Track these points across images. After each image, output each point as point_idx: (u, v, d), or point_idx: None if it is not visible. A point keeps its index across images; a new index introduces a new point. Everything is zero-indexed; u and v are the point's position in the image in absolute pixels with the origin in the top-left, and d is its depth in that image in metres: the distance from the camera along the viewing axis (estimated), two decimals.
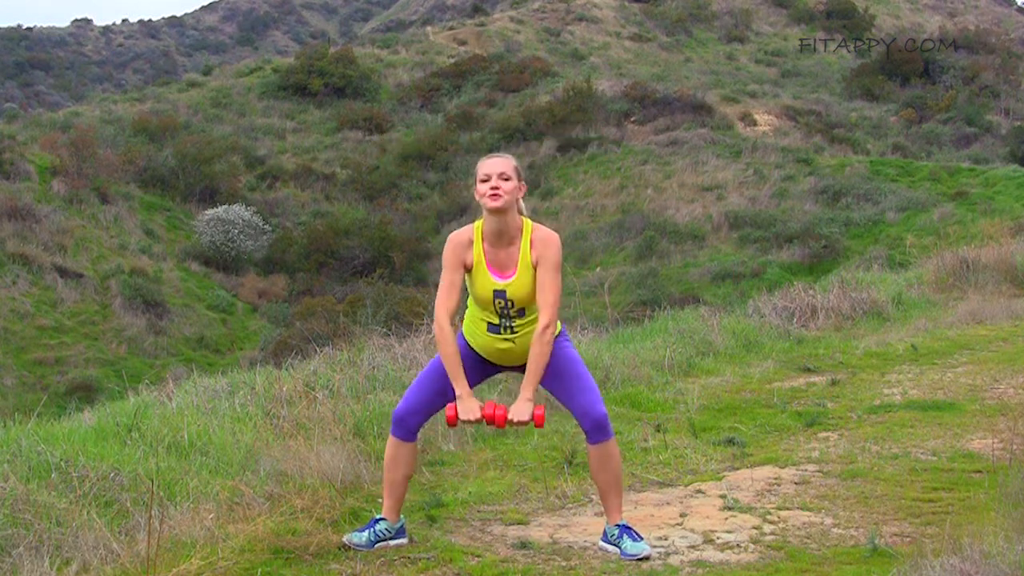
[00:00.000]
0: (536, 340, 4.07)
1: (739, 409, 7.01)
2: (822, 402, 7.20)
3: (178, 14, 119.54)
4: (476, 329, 4.23)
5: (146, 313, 26.39)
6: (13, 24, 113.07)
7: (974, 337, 10.16)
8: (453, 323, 4.19)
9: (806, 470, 5.48)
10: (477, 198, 4.13)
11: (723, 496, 4.98)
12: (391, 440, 4.28)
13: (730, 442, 6.03)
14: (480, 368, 4.31)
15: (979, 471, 5.28)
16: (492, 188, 4.06)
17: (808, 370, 8.51)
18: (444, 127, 40.85)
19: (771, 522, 4.63)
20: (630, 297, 23.65)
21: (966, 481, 5.14)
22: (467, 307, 4.28)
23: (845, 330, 10.75)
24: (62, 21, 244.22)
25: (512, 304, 4.12)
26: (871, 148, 37.81)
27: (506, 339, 4.18)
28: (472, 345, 4.26)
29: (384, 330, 7.94)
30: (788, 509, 4.81)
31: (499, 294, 4.11)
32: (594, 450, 4.21)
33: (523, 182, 4.17)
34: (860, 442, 6.02)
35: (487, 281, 4.12)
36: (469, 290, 4.21)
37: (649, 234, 29.51)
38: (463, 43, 53.21)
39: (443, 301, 4.11)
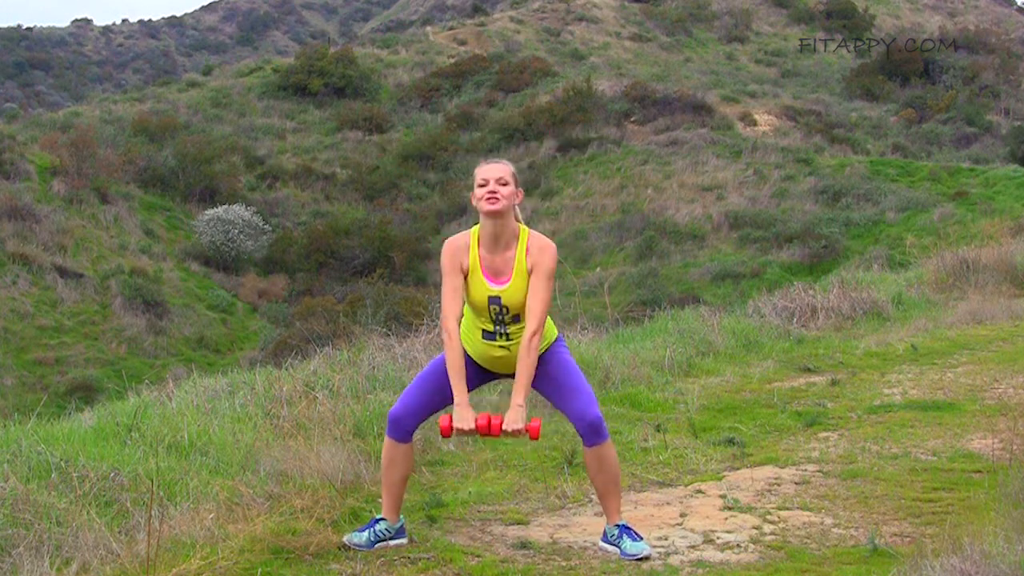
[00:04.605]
0: (523, 347, 4.08)
1: (739, 409, 7.01)
2: (822, 402, 7.20)
3: (178, 14, 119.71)
4: (472, 337, 4.26)
5: (146, 313, 26.40)
6: (13, 24, 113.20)
7: (974, 337, 10.15)
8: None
9: (806, 470, 5.48)
10: (474, 202, 4.16)
11: (723, 496, 4.98)
12: (387, 441, 4.29)
13: (730, 442, 6.03)
14: (476, 374, 4.35)
15: (979, 471, 5.28)
16: (490, 192, 4.09)
17: (808, 370, 8.51)
18: (444, 127, 40.85)
19: (771, 522, 4.63)
20: (630, 297, 23.64)
21: (966, 481, 5.14)
22: (463, 315, 4.28)
23: (845, 330, 10.74)
24: (62, 21, 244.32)
25: (507, 310, 4.15)
26: (871, 148, 37.79)
27: (501, 346, 4.21)
28: (468, 352, 4.29)
29: (384, 330, 7.95)
30: (788, 509, 4.81)
31: (494, 300, 4.13)
32: (590, 453, 4.23)
33: (520, 189, 4.20)
34: (860, 442, 6.02)
35: (482, 287, 4.14)
36: (465, 297, 4.22)
37: (649, 234, 29.50)
38: (463, 43, 53.19)
39: (449, 306, 4.14)
